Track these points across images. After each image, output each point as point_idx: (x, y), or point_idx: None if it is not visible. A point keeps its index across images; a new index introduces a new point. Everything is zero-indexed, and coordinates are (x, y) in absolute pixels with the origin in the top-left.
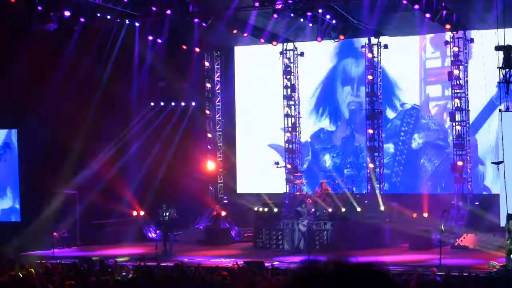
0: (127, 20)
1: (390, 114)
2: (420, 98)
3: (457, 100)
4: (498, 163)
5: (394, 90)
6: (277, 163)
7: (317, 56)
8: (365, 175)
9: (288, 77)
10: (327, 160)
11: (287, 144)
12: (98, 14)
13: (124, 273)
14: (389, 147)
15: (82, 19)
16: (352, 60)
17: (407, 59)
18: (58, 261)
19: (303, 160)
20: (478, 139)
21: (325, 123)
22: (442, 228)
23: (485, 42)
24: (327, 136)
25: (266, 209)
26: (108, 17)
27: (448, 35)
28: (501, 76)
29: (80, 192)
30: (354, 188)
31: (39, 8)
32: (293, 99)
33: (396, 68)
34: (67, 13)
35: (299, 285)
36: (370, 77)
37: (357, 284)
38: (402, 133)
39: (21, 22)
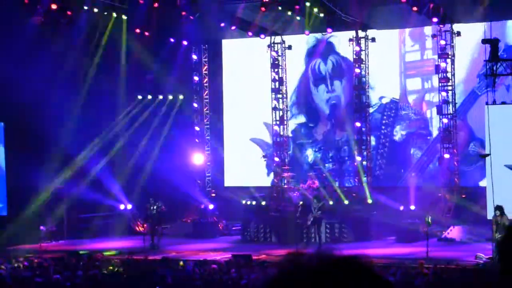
0: (114, 13)
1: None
2: (400, 91)
3: (443, 93)
4: (485, 156)
5: (373, 83)
6: (265, 156)
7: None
8: (347, 168)
9: (276, 70)
10: (309, 154)
11: (274, 138)
12: (85, 7)
13: (111, 267)
14: (371, 140)
15: (69, 12)
16: (319, 60)
17: (386, 52)
18: (45, 255)
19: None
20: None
21: (303, 120)
22: (429, 220)
23: (471, 35)
24: (308, 131)
25: (254, 202)
26: (95, 10)
27: (427, 29)
28: (488, 69)
29: (67, 186)
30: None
31: (26, 0)
32: (281, 92)
33: (375, 62)
34: (53, 6)
35: (282, 279)
36: (357, 70)
37: (341, 278)
38: (383, 126)
39: (7, 15)
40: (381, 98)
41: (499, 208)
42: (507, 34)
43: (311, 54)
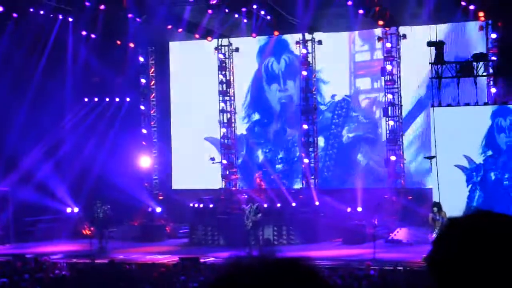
0: (60, 15)
1: (321, 107)
2: (350, 91)
3: (389, 96)
4: (431, 157)
5: (323, 83)
6: (212, 159)
7: (253, 52)
8: (297, 169)
9: (224, 72)
10: (260, 155)
11: (222, 140)
12: (31, 9)
13: (57, 271)
14: (320, 141)
15: (14, 14)
16: (272, 58)
17: (336, 52)
18: None
19: (239, 155)
20: (407, 135)
21: (257, 117)
22: (376, 222)
23: (417, 38)
24: (262, 130)
25: (201, 205)
26: (41, 12)
27: (377, 30)
28: (433, 71)
29: (13, 189)
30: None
31: None
32: (228, 94)
33: (326, 62)
34: None
35: (223, 282)
36: (304, 73)
37: (283, 280)
38: (333, 126)
39: None
40: (333, 96)
41: (436, 205)
42: (453, 37)
43: (263, 52)
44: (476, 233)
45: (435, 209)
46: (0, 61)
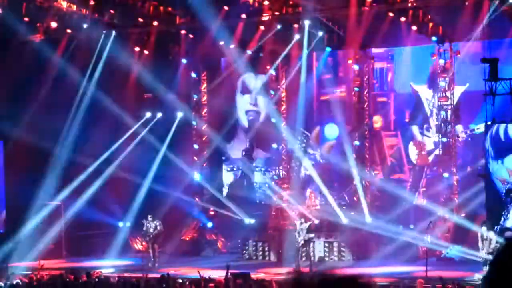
0: (113, 31)
1: None
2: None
3: (443, 113)
4: (484, 175)
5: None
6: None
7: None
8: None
9: (277, 87)
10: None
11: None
12: (85, 25)
13: (109, 285)
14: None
15: (68, 30)
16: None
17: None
18: (44, 272)
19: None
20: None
21: None
22: (428, 239)
23: (470, 54)
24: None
25: (252, 220)
26: (95, 28)
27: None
28: (487, 88)
29: (65, 203)
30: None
31: (26, 19)
32: (282, 111)
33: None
34: (53, 24)
35: None
36: (356, 88)
37: None
38: None
39: (7, 33)
40: None
41: (485, 223)
42: (504, 53)
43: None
44: None
45: (484, 227)
46: (54, 75)
